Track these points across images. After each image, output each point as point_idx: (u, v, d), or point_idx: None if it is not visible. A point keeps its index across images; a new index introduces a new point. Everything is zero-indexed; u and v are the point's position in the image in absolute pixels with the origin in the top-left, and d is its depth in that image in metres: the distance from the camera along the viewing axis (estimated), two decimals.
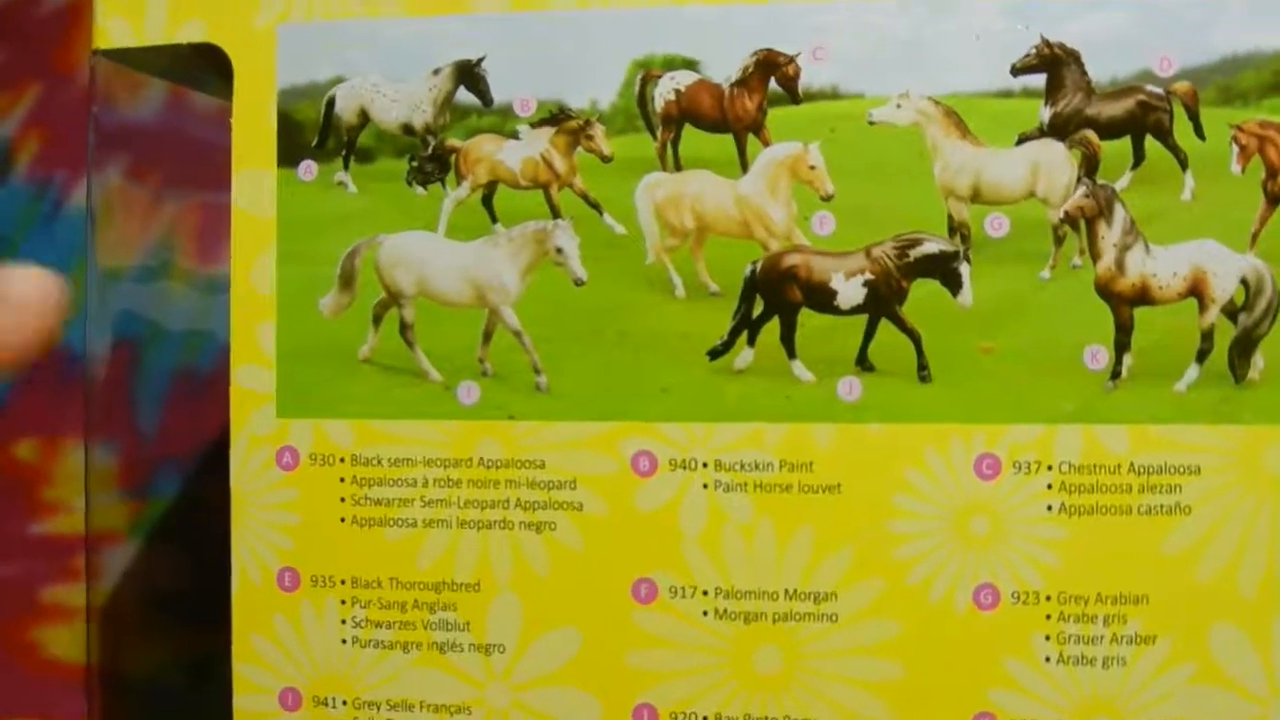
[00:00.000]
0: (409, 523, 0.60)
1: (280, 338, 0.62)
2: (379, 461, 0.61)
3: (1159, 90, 0.60)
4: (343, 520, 0.61)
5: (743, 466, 0.58)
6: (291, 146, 0.62)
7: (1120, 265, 0.59)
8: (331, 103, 0.62)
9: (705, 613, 0.59)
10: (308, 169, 0.63)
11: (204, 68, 0.63)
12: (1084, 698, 0.57)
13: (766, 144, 0.61)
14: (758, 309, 0.60)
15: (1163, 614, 0.57)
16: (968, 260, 0.59)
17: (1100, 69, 0.59)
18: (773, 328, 0.60)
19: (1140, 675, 0.57)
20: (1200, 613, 0.57)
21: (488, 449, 0.60)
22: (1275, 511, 0.57)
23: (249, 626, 0.62)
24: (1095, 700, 0.57)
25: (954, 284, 0.59)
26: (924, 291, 0.59)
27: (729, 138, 0.62)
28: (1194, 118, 0.60)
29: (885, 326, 0.60)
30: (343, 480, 0.61)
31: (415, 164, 0.62)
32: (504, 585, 0.60)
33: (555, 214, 0.62)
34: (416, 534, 0.60)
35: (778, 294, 0.60)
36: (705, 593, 0.59)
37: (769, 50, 0.60)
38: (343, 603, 0.61)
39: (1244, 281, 0.59)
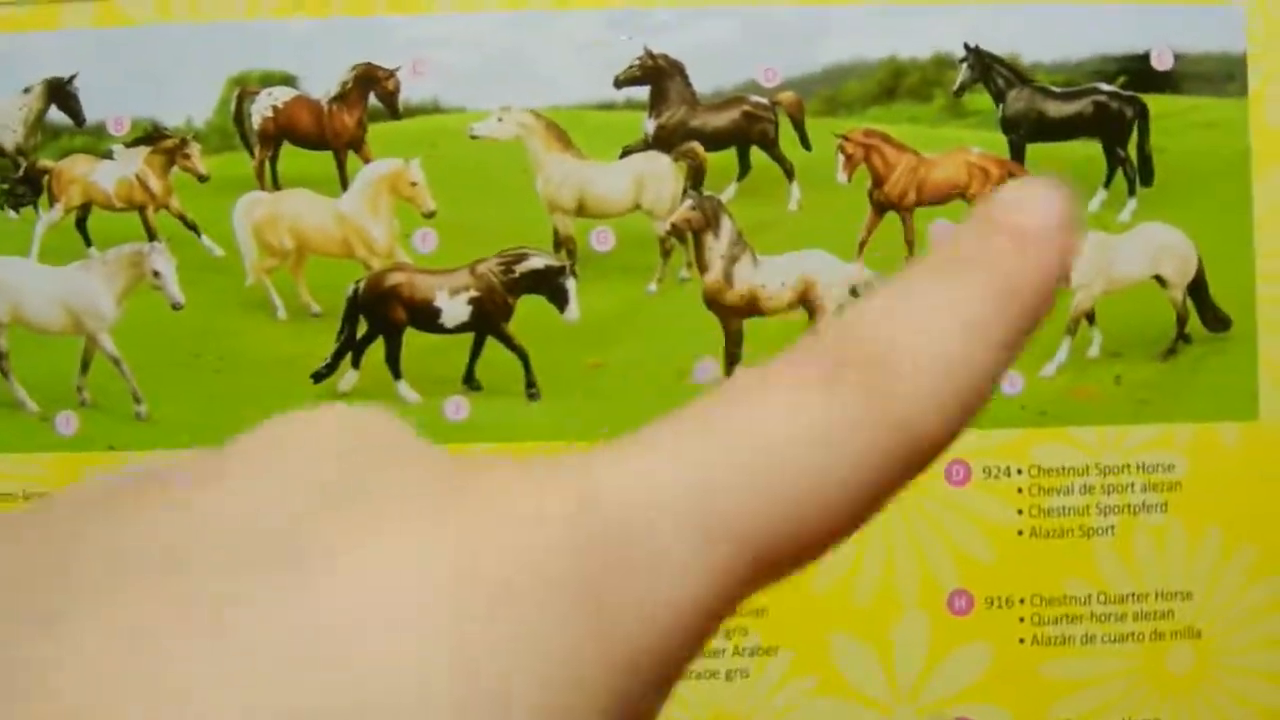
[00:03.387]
0: None
1: None
2: None
3: (764, 101, 0.60)
4: None
5: None
6: None
7: (728, 277, 0.59)
8: None
9: None
10: None
11: None
12: (711, 711, 0.57)
13: (367, 161, 0.60)
14: (361, 329, 0.59)
15: (781, 625, 0.57)
16: (574, 275, 0.59)
17: (704, 80, 0.59)
18: (377, 348, 0.59)
19: (763, 687, 0.57)
20: (818, 623, 0.57)
21: None
22: (890, 520, 0.57)
23: None
24: (722, 713, 0.57)
25: (560, 299, 0.59)
26: (530, 307, 0.59)
27: (329, 155, 0.60)
28: (799, 128, 0.60)
29: (492, 344, 0.59)
30: None
31: (6, 186, 0.60)
32: None
33: (151, 236, 0.60)
34: None
35: (381, 314, 0.59)
36: None
37: (368, 64, 0.59)
38: None
39: (853, 290, 0.59)
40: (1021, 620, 0.57)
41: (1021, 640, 0.57)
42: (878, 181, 0.60)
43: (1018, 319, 0.24)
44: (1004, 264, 0.24)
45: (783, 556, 0.22)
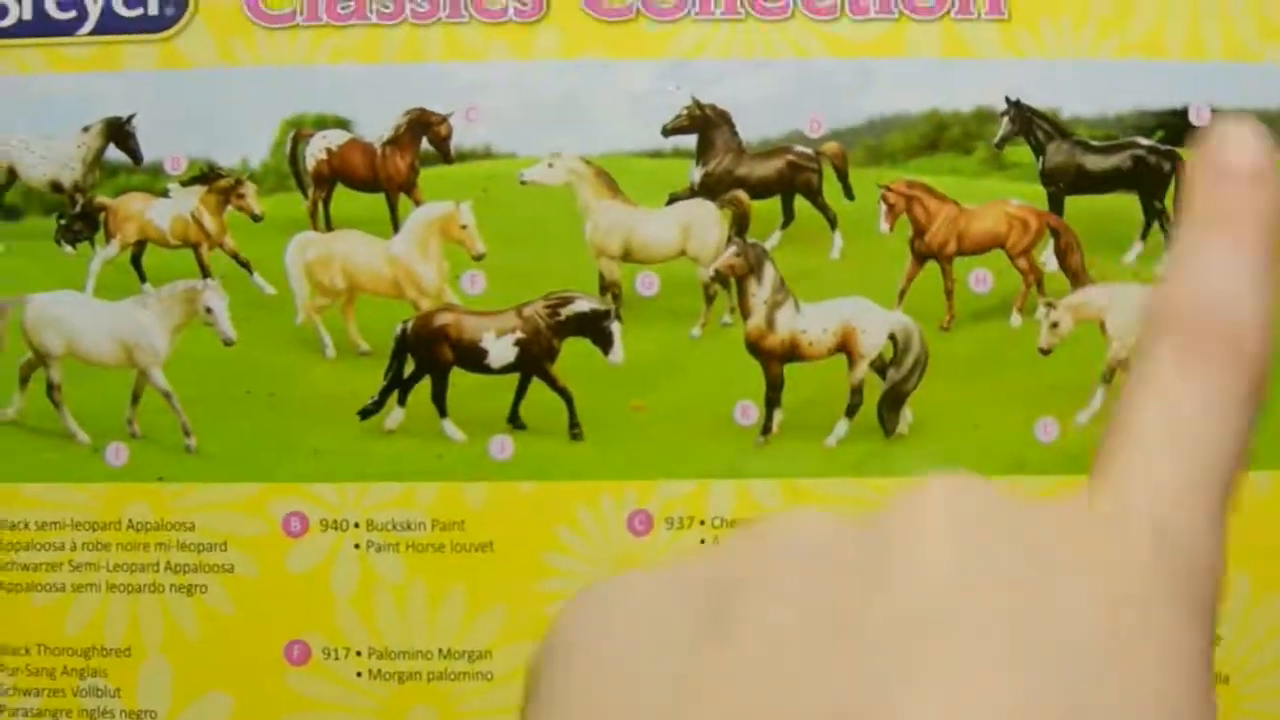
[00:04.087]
0: (57, 587, 0.59)
1: None
2: (26, 525, 0.59)
3: (808, 151, 0.61)
4: None
5: (394, 526, 0.58)
6: None
7: (770, 322, 0.60)
8: None
9: (359, 673, 0.58)
10: None
11: None
12: None
13: (418, 203, 0.61)
14: (409, 368, 0.60)
15: None
16: (618, 319, 0.60)
17: (751, 130, 0.60)
18: (424, 387, 0.60)
19: None
20: None
21: (136, 511, 0.59)
22: None
23: None
24: None
25: (605, 342, 0.60)
26: (575, 350, 0.60)
27: (381, 197, 0.62)
28: (843, 178, 0.61)
29: (537, 385, 0.60)
30: None
31: (64, 222, 0.61)
32: (154, 650, 0.59)
33: (205, 273, 0.61)
34: (65, 598, 0.59)
35: (429, 353, 0.60)
36: (359, 653, 0.58)
37: (421, 109, 0.60)
38: None
39: (892, 337, 0.60)
40: None
41: None
42: (919, 231, 0.61)
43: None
44: (1255, 208, 0.27)
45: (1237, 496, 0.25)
